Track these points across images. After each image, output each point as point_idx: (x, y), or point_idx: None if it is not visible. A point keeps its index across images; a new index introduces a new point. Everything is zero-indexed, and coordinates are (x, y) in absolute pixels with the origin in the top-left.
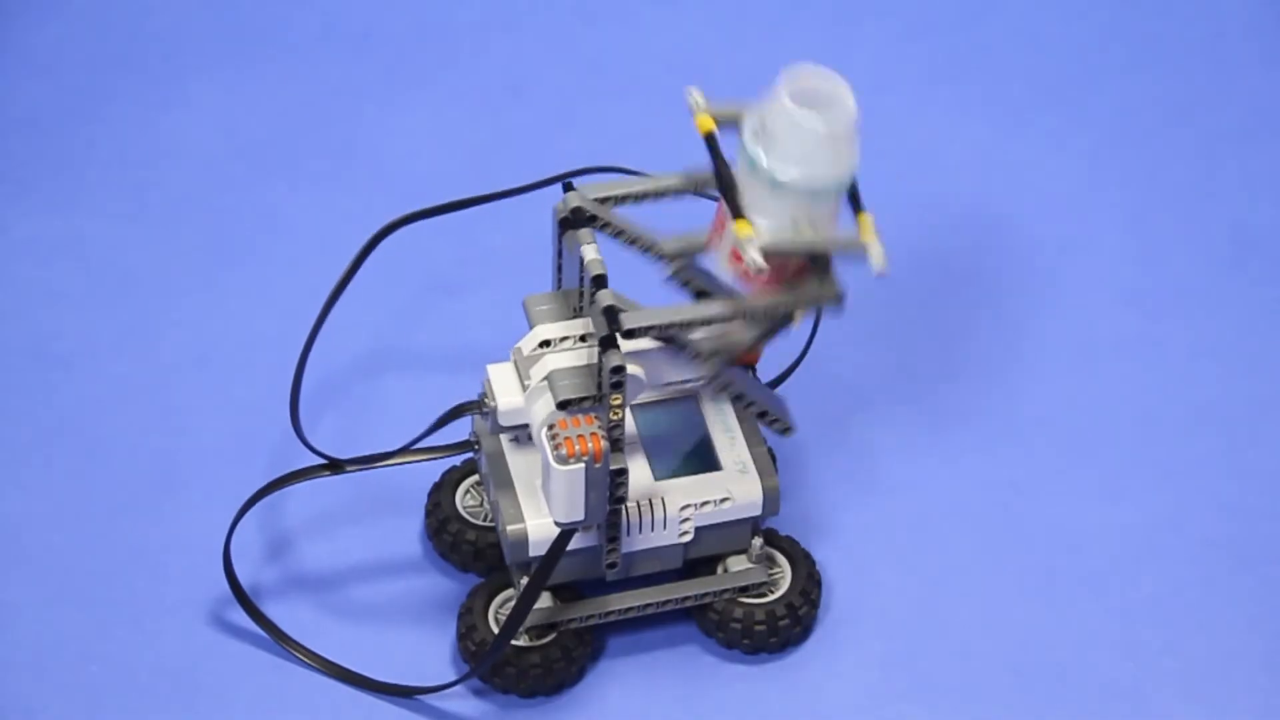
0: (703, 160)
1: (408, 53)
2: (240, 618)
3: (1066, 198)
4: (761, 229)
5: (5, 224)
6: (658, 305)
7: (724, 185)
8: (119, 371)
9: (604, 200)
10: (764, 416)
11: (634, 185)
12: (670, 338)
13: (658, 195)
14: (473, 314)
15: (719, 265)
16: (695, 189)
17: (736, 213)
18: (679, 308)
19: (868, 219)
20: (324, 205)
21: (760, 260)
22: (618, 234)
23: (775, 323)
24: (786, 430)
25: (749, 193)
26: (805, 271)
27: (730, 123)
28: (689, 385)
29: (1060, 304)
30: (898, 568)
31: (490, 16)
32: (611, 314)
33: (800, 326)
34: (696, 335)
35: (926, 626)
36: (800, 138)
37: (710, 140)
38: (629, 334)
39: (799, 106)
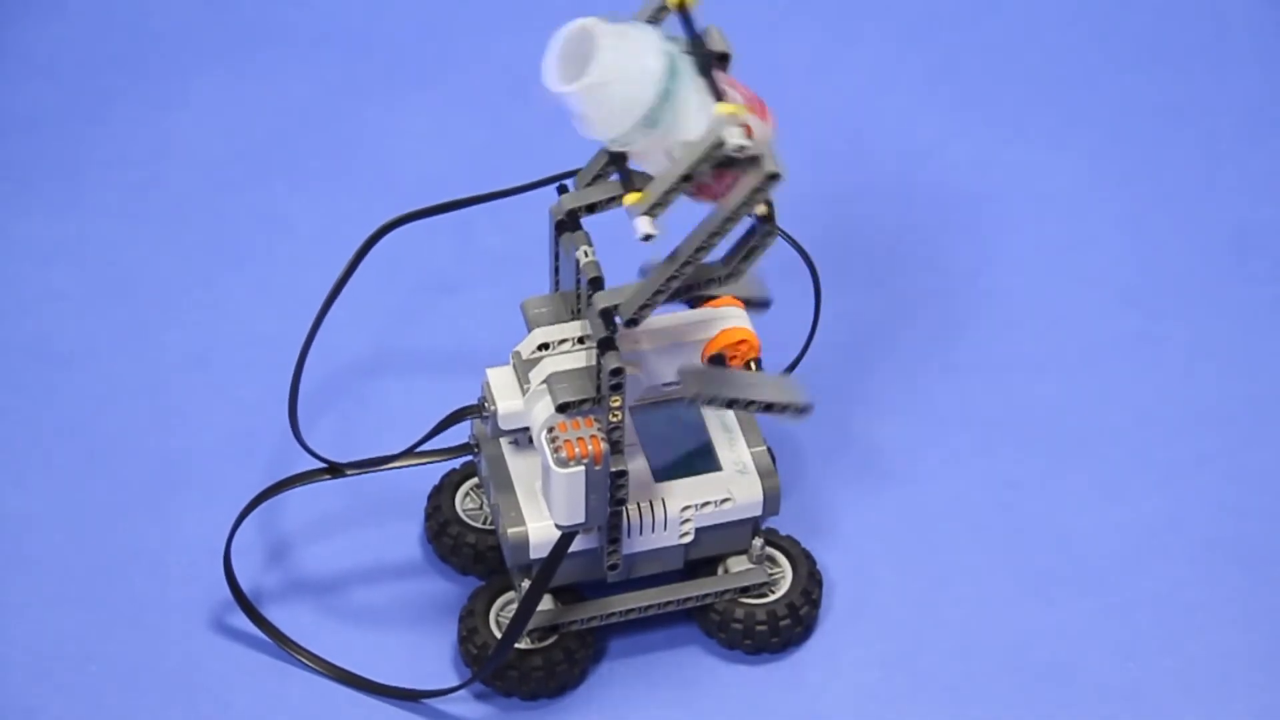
0: None
1: (408, 53)
2: (241, 619)
3: (1067, 198)
4: (645, 195)
5: (5, 224)
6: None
7: (620, 169)
8: (119, 371)
9: (595, 206)
10: (771, 409)
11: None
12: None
13: None
14: (471, 314)
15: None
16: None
17: (628, 186)
18: (654, 278)
19: (727, 109)
20: (324, 205)
21: (648, 229)
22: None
23: (754, 231)
24: (801, 411)
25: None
26: (729, 172)
27: None
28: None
29: (1060, 304)
30: (898, 567)
31: (490, 16)
32: (608, 315)
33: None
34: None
35: (927, 626)
36: (599, 106)
37: (682, 11)
38: (630, 322)
39: (564, 81)
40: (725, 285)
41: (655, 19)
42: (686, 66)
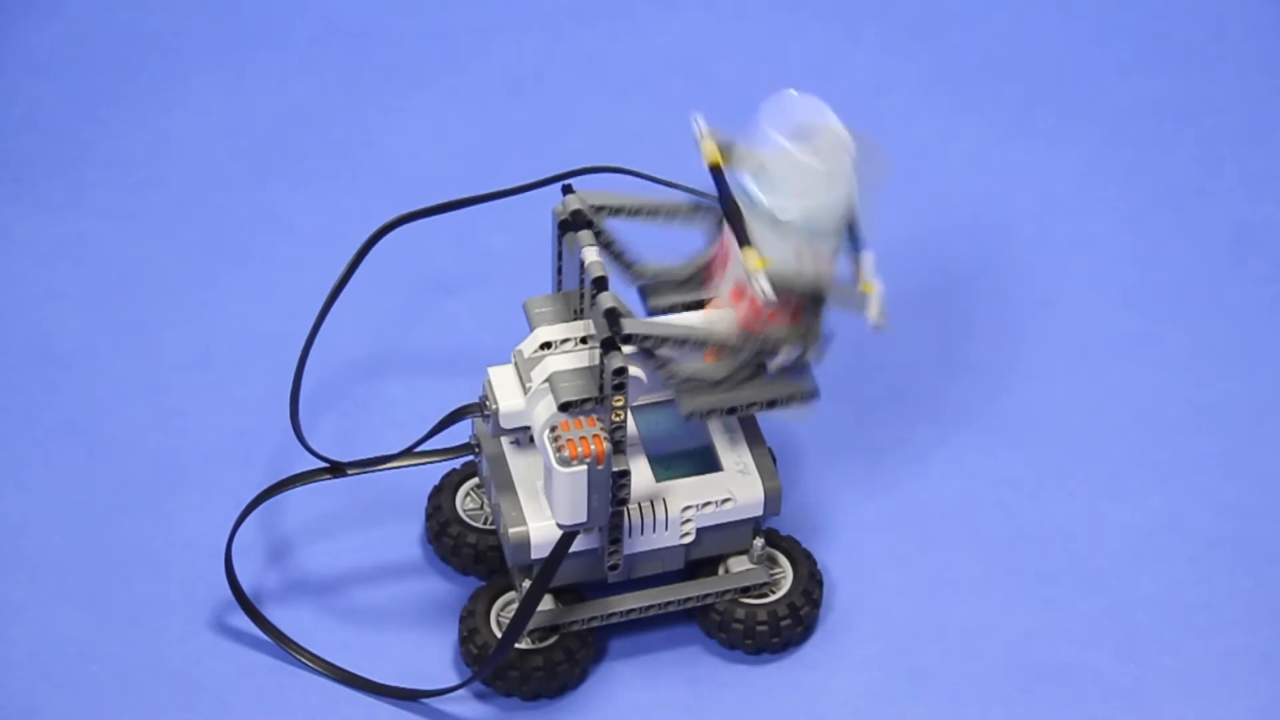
0: (702, 168)
1: (408, 53)
2: (241, 619)
3: (1066, 198)
4: (783, 274)
5: (5, 224)
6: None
7: (731, 214)
8: (119, 371)
9: (601, 208)
10: (775, 404)
11: (636, 201)
12: (651, 351)
13: (654, 213)
14: (472, 315)
15: (722, 291)
16: (700, 215)
17: (743, 240)
18: (681, 321)
19: (868, 257)
20: (324, 205)
21: (770, 291)
22: (606, 244)
23: (752, 358)
24: (809, 397)
25: (753, 226)
26: (799, 314)
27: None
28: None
29: (1060, 304)
30: (898, 567)
31: (490, 16)
32: (613, 316)
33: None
34: (683, 351)
35: (927, 625)
36: (798, 175)
37: (716, 171)
38: (627, 339)
39: (794, 143)
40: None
41: None
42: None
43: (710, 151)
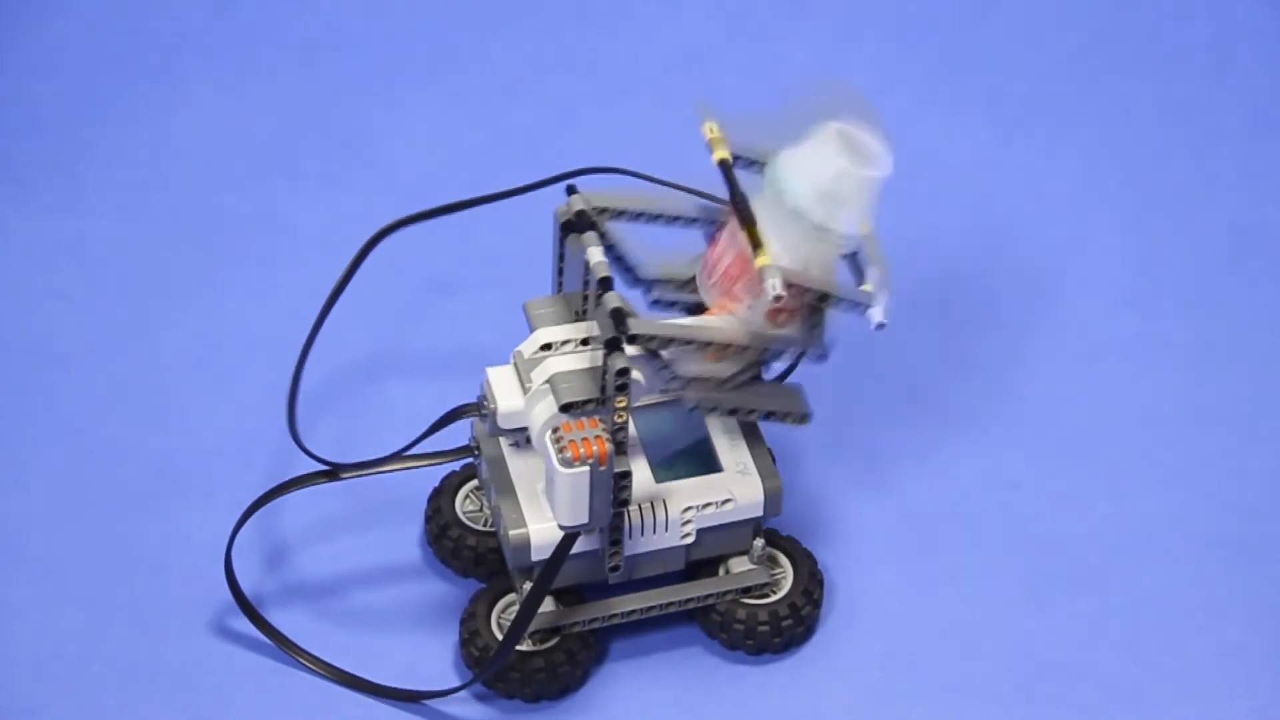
0: (703, 166)
1: (408, 53)
2: (241, 621)
3: (1066, 198)
4: (780, 260)
5: (5, 224)
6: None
7: (744, 217)
8: (119, 371)
9: (603, 210)
10: (772, 416)
11: (639, 203)
12: (655, 353)
13: (662, 218)
14: (472, 316)
15: (712, 296)
16: (706, 220)
17: (757, 243)
18: (687, 322)
19: (876, 272)
20: (324, 205)
21: (781, 288)
22: (609, 246)
23: (754, 364)
24: (802, 419)
25: (762, 221)
26: (802, 314)
27: (746, 156)
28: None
29: (1060, 304)
30: (898, 567)
31: (490, 17)
32: (619, 316)
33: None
34: (686, 353)
35: (928, 625)
36: (853, 187)
37: (727, 170)
38: (633, 339)
39: (854, 162)
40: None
41: None
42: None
43: (721, 152)
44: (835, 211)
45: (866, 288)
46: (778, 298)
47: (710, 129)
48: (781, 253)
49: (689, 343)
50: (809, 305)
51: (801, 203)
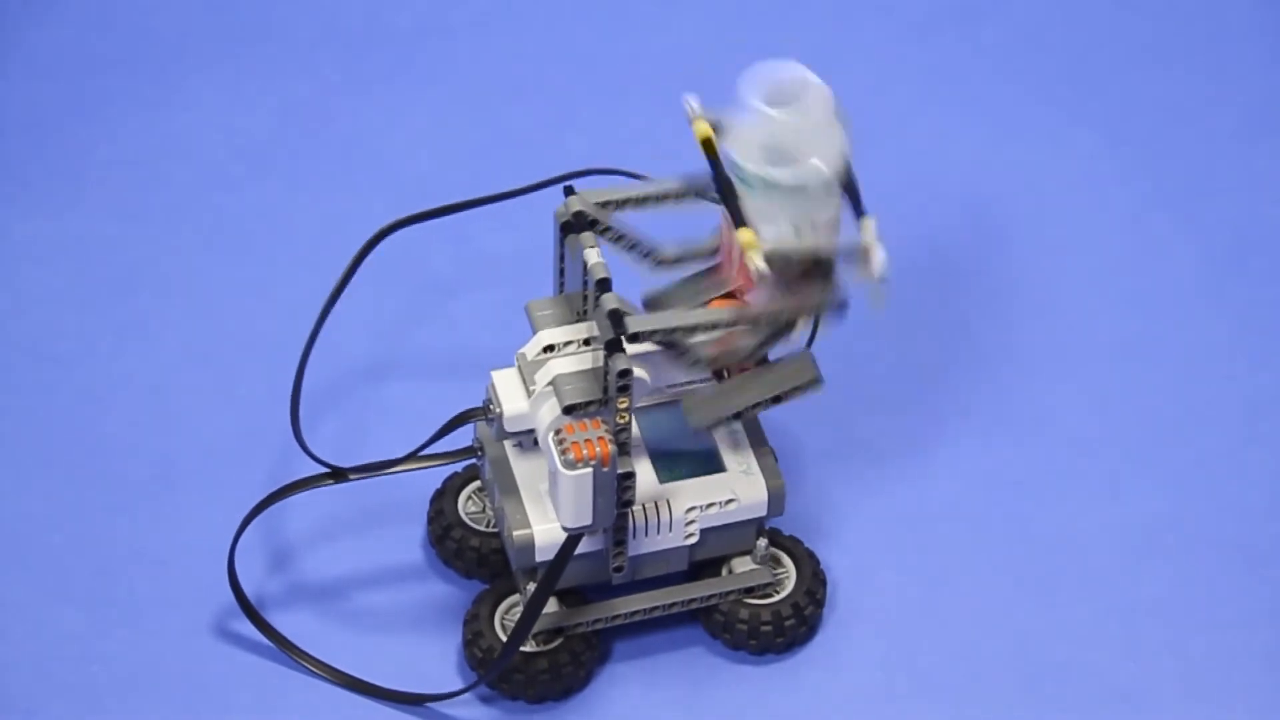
0: (701, 164)
1: (407, 53)
2: (242, 622)
3: (1066, 198)
4: (764, 235)
5: (5, 224)
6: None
7: (724, 192)
8: (119, 371)
9: (604, 204)
10: (780, 400)
11: (634, 190)
12: (672, 343)
13: (658, 200)
14: (473, 317)
15: (737, 279)
16: (696, 195)
17: (738, 220)
18: (683, 312)
19: (870, 223)
20: (324, 205)
21: (764, 266)
22: (617, 239)
23: (777, 329)
24: (814, 385)
25: (748, 201)
26: (809, 278)
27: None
28: (693, 387)
29: (1060, 304)
30: (900, 567)
31: (490, 17)
32: (617, 317)
33: (800, 333)
34: (698, 340)
35: (929, 625)
36: (783, 137)
37: (708, 146)
38: (633, 338)
39: (773, 107)
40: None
41: None
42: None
43: (702, 130)
44: (789, 162)
45: (865, 242)
46: (763, 276)
47: (691, 107)
48: (767, 228)
49: (692, 330)
50: (812, 274)
51: (754, 169)
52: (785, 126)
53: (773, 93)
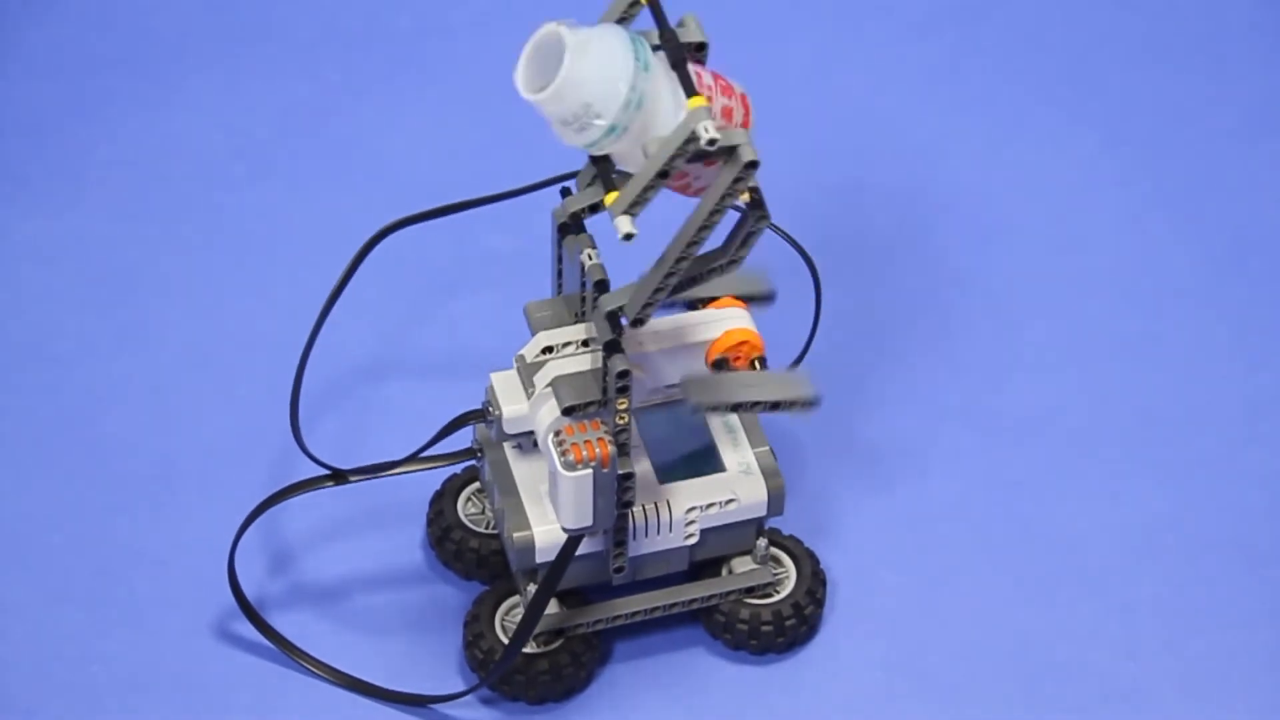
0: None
1: (407, 53)
2: (242, 623)
3: (1066, 198)
4: (623, 194)
5: (5, 224)
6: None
7: (673, 57)
8: (119, 371)
9: (597, 207)
10: (778, 407)
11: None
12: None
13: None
14: (473, 318)
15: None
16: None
17: (609, 186)
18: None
19: (699, 102)
20: (324, 205)
21: (629, 228)
22: None
23: (745, 218)
24: (808, 405)
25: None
26: (714, 164)
27: None
28: (695, 374)
29: (1060, 304)
30: (900, 567)
31: (490, 17)
32: (615, 319)
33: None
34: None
35: (929, 625)
36: (552, 111)
37: (654, 6)
38: (636, 322)
39: (533, 88)
40: (726, 275)
41: (626, 16)
42: (658, 63)
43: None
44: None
45: (691, 104)
46: (628, 237)
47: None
48: (632, 166)
49: (669, 276)
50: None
51: (572, 123)
52: (570, 95)
53: (542, 70)
